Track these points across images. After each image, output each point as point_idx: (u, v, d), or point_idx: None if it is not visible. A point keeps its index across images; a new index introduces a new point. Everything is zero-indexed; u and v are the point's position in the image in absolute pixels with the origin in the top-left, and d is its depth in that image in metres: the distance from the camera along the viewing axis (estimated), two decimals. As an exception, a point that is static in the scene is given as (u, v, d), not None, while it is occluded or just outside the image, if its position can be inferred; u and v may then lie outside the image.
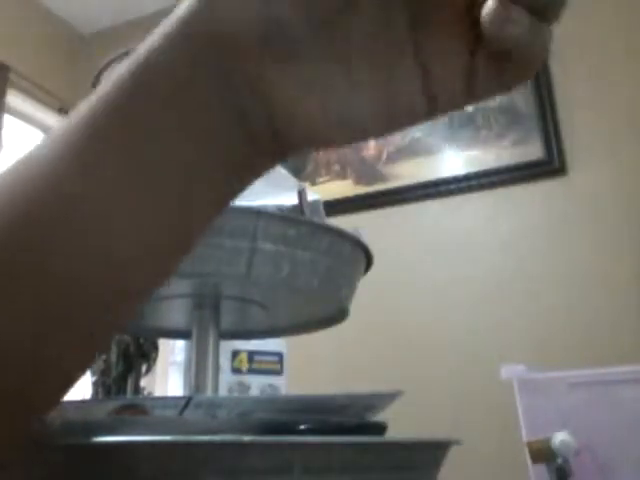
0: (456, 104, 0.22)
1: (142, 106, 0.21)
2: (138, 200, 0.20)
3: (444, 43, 0.21)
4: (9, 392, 0.19)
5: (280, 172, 0.70)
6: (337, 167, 2.05)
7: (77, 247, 0.20)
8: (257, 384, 1.04)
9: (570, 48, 1.83)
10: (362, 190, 1.99)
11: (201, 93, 0.21)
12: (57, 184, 0.21)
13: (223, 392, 0.96)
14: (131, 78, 0.21)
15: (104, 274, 0.20)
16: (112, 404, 0.43)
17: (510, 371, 0.94)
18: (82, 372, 0.22)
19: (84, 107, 0.22)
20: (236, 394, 1.01)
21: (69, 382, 0.21)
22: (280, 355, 1.09)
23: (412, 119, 0.22)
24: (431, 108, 0.21)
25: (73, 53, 2.80)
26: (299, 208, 0.62)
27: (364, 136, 0.22)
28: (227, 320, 0.64)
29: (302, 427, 0.41)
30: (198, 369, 0.59)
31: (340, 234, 0.55)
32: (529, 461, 0.84)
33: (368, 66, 0.21)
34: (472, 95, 0.21)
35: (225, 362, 1.00)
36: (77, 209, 0.20)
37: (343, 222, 0.59)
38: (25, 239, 0.20)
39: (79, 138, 0.21)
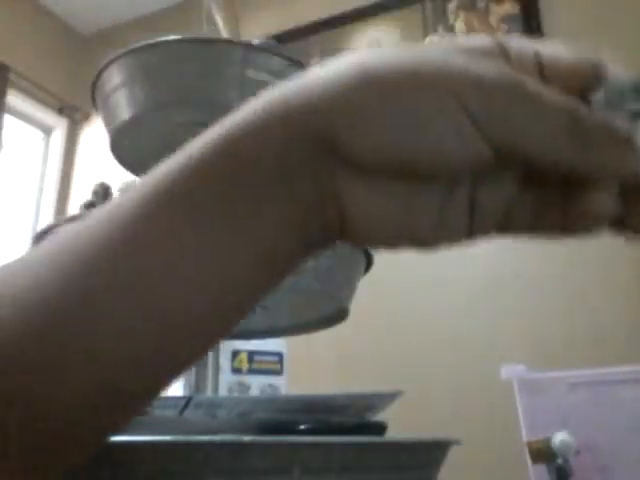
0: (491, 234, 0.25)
1: (225, 184, 0.22)
2: (206, 268, 0.22)
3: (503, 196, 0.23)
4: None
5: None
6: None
7: (136, 312, 0.21)
8: (257, 384, 1.04)
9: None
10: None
11: (288, 183, 0.22)
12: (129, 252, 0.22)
13: (223, 392, 0.96)
14: (218, 155, 0.22)
15: (160, 339, 0.22)
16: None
17: (510, 371, 0.94)
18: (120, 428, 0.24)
19: (159, 176, 0.23)
20: (236, 394, 1.01)
21: (103, 437, 0.23)
22: (280, 355, 1.09)
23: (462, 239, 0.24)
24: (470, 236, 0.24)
25: (73, 53, 2.80)
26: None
27: (415, 247, 0.24)
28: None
29: (302, 427, 0.41)
30: (198, 369, 0.59)
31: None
32: (529, 461, 0.84)
33: (437, 198, 0.23)
34: (508, 230, 0.25)
35: (225, 362, 1.00)
36: (144, 276, 0.21)
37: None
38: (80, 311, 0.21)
39: (157, 204, 0.22)
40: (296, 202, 0.22)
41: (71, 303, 0.21)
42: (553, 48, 0.23)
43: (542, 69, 0.22)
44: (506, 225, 0.24)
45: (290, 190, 0.22)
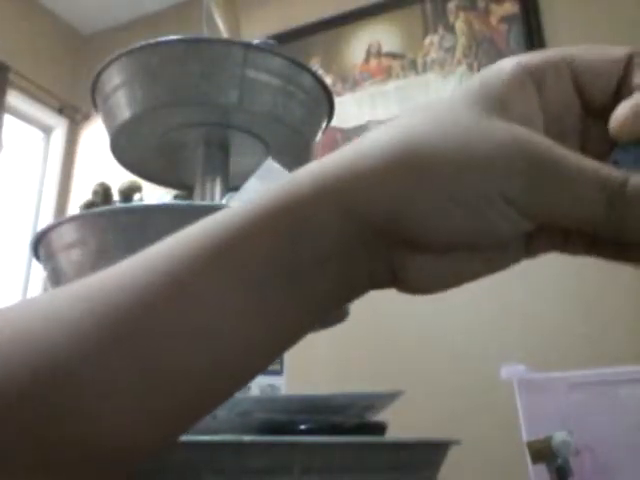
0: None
1: (281, 250, 0.23)
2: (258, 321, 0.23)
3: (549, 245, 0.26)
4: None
5: (280, 172, 0.70)
6: (337, 167, 2.05)
7: (189, 339, 0.22)
8: (257, 384, 1.04)
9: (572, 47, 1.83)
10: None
11: (345, 257, 0.23)
12: (179, 283, 0.22)
13: (223, 392, 0.96)
14: (282, 221, 0.23)
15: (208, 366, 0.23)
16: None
17: (510, 371, 0.94)
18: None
19: (210, 230, 0.24)
20: (236, 394, 1.00)
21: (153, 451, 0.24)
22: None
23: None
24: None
25: (73, 53, 2.80)
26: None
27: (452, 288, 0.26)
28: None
29: (302, 427, 0.41)
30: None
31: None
32: (529, 461, 0.84)
33: (482, 262, 0.25)
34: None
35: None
36: (195, 309, 0.22)
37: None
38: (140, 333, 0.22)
39: (209, 260, 0.23)
40: (351, 272, 0.24)
41: (103, 351, 0.21)
42: (583, 51, 0.24)
43: (578, 77, 0.24)
44: (565, 249, 0.26)
45: (347, 263, 0.23)
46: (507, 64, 0.24)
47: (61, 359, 0.21)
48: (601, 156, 0.23)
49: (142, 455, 0.23)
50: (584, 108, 0.24)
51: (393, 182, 0.22)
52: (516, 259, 0.25)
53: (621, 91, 0.23)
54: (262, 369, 0.25)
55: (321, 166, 0.24)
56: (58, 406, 0.21)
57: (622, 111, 0.22)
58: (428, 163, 0.22)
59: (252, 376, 0.25)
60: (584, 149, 0.24)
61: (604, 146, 0.24)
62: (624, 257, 0.24)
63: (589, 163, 0.22)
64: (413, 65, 2.09)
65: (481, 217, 0.22)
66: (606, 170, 0.21)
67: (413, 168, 0.22)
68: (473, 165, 0.22)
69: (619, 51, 0.24)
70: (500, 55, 1.94)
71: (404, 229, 0.22)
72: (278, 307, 0.23)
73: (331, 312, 0.25)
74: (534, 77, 0.23)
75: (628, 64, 0.23)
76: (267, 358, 0.25)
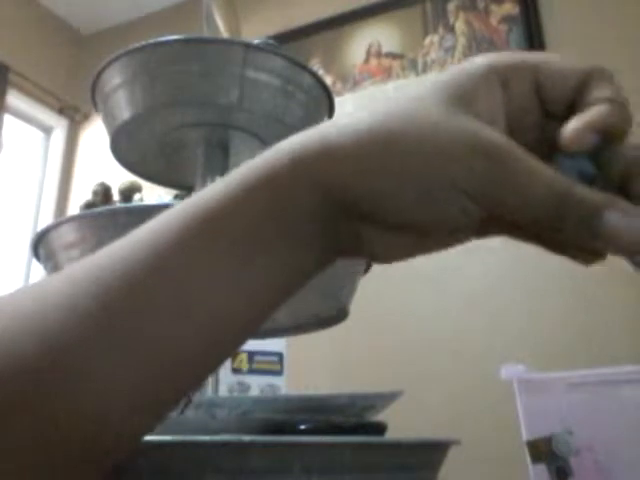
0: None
1: (261, 220, 0.25)
2: (234, 279, 0.25)
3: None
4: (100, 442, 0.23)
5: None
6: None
7: (175, 313, 0.24)
8: (257, 384, 1.04)
9: (571, 47, 1.83)
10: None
11: (315, 228, 0.26)
12: (161, 261, 0.24)
13: (223, 392, 0.96)
14: (250, 190, 0.25)
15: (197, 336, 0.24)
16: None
17: (510, 371, 0.94)
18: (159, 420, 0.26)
19: (198, 205, 0.25)
20: (236, 394, 1.01)
21: (143, 430, 0.25)
22: (280, 355, 1.09)
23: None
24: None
25: (73, 53, 2.80)
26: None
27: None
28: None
29: (302, 427, 0.41)
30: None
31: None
32: (529, 461, 0.84)
33: (438, 237, 0.27)
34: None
35: (225, 362, 1.00)
36: (179, 281, 0.24)
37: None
38: (129, 304, 0.23)
39: (192, 227, 0.24)
40: (322, 240, 0.26)
41: (111, 316, 0.23)
42: (548, 58, 0.26)
43: (538, 81, 0.26)
44: (513, 233, 0.28)
45: (316, 233, 0.26)
46: (477, 63, 0.26)
47: (57, 339, 0.22)
48: (551, 157, 0.25)
49: (131, 438, 0.24)
50: (543, 111, 0.26)
51: (360, 160, 0.24)
52: (465, 238, 0.28)
53: (577, 103, 0.25)
54: (244, 339, 0.27)
55: (300, 140, 0.25)
56: (52, 383, 0.21)
57: (573, 124, 0.24)
58: (396, 147, 0.24)
59: (235, 347, 0.27)
60: (539, 148, 0.26)
61: (555, 149, 0.26)
62: (562, 252, 0.27)
63: (542, 167, 0.24)
64: (413, 65, 2.09)
65: (434, 202, 0.24)
66: (556, 177, 0.23)
67: (381, 150, 0.24)
68: (435, 155, 0.24)
69: (581, 65, 0.26)
70: (500, 55, 1.94)
71: (364, 204, 0.24)
72: (258, 277, 0.25)
73: (304, 282, 0.28)
74: (500, 76, 0.26)
75: (587, 79, 0.25)
76: (248, 328, 0.27)
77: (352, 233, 0.26)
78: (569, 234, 0.24)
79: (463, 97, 0.25)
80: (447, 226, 0.25)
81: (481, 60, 0.26)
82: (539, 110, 0.26)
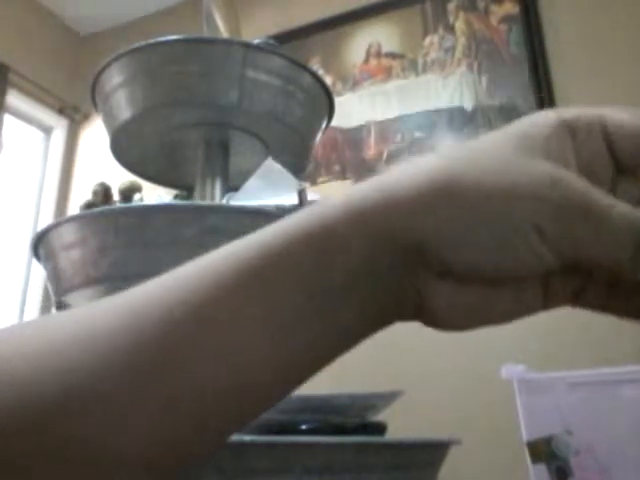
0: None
1: (307, 276, 0.23)
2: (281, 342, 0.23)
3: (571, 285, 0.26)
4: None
5: (280, 172, 0.70)
6: (337, 167, 2.05)
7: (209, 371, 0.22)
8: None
9: (571, 47, 1.83)
10: (362, 190, 1.99)
11: (373, 283, 0.24)
12: (198, 309, 0.22)
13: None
14: (309, 250, 0.23)
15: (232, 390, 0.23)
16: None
17: (510, 371, 0.94)
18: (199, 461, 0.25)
19: (235, 256, 0.23)
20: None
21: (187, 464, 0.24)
22: (280, 355, 1.09)
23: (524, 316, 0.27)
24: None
25: (73, 53, 2.80)
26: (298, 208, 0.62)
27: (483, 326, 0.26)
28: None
29: (303, 427, 0.41)
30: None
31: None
32: (529, 461, 0.84)
33: (511, 294, 0.25)
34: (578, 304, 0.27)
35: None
36: (215, 334, 0.22)
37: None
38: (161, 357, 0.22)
39: (235, 284, 0.23)
40: (379, 301, 0.24)
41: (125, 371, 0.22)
42: (616, 112, 0.25)
43: (609, 136, 0.24)
44: (579, 301, 0.27)
45: (375, 291, 0.24)
46: (548, 117, 0.25)
47: (100, 380, 0.21)
48: None
49: (162, 476, 0.23)
50: (615, 165, 0.25)
51: (427, 210, 0.23)
52: (533, 308, 0.27)
53: None
54: (286, 395, 0.25)
55: (356, 191, 0.24)
56: (80, 427, 0.21)
57: None
58: (464, 192, 0.23)
59: (275, 401, 0.25)
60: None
61: (632, 203, 0.24)
62: (636, 313, 0.25)
63: (623, 206, 0.22)
64: (413, 65, 2.09)
65: (509, 246, 0.23)
66: (634, 211, 0.22)
67: (448, 196, 0.23)
68: (509, 195, 0.22)
69: None
70: (500, 55, 1.94)
71: (432, 254, 0.23)
72: (306, 336, 0.24)
73: (358, 342, 0.26)
74: (569, 126, 0.24)
75: None
76: (291, 385, 0.25)
77: (414, 289, 0.24)
78: None
79: (534, 146, 0.24)
80: (519, 277, 0.24)
81: (551, 115, 0.25)
82: (610, 164, 0.25)
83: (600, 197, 0.23)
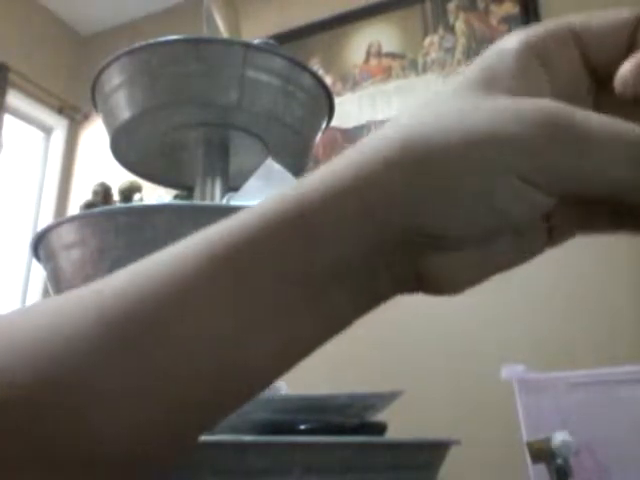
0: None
1: (302, 256, 0.22)
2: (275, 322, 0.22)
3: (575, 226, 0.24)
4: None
5: (280, 172, 0.70)
6: (337, 167, 2.05)
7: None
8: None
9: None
10: (362, 190, 1.99)
11: (371, 266, 0.22)
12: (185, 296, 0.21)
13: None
14: (291, 228, 0.22)
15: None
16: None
17: (510, 371, 0.94)
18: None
19: (220, 236, 0.22)
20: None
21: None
22: (280, 355, 1.09)
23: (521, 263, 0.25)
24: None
25: (73, 53, 2.80)
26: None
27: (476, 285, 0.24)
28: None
29: (302, 427, 0.41)
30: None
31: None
32: (529, 461, 0.84)
33: (505, 248, 0.23)
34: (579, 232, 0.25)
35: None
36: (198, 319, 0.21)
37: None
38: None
39: (226, 255, 0.22)
40: (372, 280, 0.23)
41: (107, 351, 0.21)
42: (582, 17, 0.23)
43: (580, 41, 0.22)
44: (590, 229, 0.24)
45: (367, 271, 0.22)
46: (509, 44, 0.23)
47: (69, 367, 0.21)
48: None
49: (148, 465, 0.23)
50: (592, 78, 0.23)
51: (399, 182, 0.21)
52: (538, 248, 0.24)
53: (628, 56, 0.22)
54: (273, 380, 0.24)
55: (331, 170, 0.23)
56: (64, 415, 0.20)
57: (625, 66, 0.21)
58: (427, 156, 0.21)
59: (263, 387, 0.24)
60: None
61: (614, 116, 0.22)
62: None
63: (602, 118, 0.20)
64: (413, 65, 2.09)
65: (496, 201, 0.21)
66: (630, 125, 0.20)
67: (414, 164, 0.21)
68: (479, 149, 0.20)
69: (623, 15, 0.22)
70: (500, 55, 1.94)
71: (420, 226, 0.21)
72: (293, 320, 0.22)
73: (353, 321, 0.24)
74: (539, 53, 0.22)
75: (636, 28, 0.22)
76: (279, 370, 0.23)
77: (409, 266, 0.22)
78: None
79: (500, 85, 0.22)
80: (515, 224, 0.22)
81: (511, 41, 0.23)
82: (588, 79, 0.23)
83: (589, 115, 0.20)
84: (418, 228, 0.21)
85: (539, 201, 0.21)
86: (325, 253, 0.21)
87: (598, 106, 0.23)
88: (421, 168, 0.21)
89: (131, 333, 0.21)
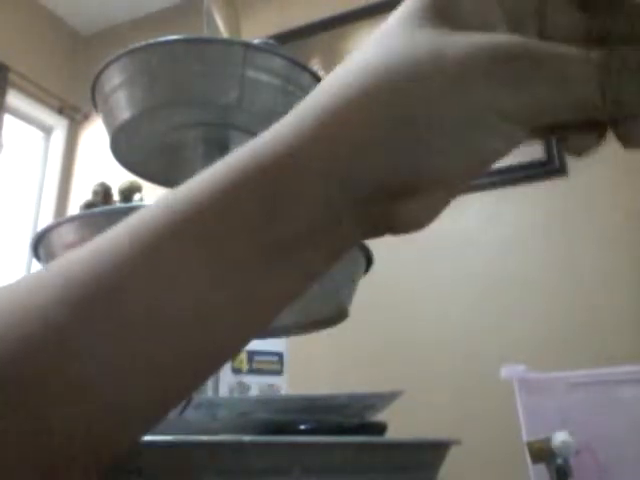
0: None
1: (262, 215, 0.21)
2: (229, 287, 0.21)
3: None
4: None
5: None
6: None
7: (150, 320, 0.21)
8: (257, 384, 1.04)
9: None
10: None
11: (334, 222, 0.22)
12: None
13: (223, 392, 0.96)
14: (252, 186, 0.21)
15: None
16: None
17: (510, 371, 0.94)
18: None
19: (183, 200, 0.22)
20: (236, 394, 1.01)
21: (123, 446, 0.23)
22: (280, 355, 1.09)
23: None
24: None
25: (73, 53, 2.80)
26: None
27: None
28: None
29: (302, 427, 0.41)
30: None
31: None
32: (529, 461, 0.84)
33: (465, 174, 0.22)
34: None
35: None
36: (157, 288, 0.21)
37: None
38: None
39: (183, 215, 0.21)
40: (338, 235, 0.22)
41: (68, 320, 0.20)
42: None
43: None
44: (574, 152, 0.23)
45: (333, 228, 0.22)
46: None
47: (35, 346, 0.20)
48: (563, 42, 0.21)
49: (112, 447, 0.22)
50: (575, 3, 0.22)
51: (361, 135, 0.20)
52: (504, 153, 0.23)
53: None
54: (242, 346, 0.24)
55: (292, 129, 0.21)
56: (23, 397, 0.20)
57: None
58: (391, 102, 0.20)
59: (231, 352, 0.24)
60: (543, 37, 0.22)
61: (564, 31, 0.22)
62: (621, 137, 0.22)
63: (566, 47, 0.20)
64: (413, 65, 2.09)
65: (473, 140, 0.20)
66: (582, 49, 0.20)
67: (378, 113, 0.20)
68: (439, 91, 0.20)
69: None
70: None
71: (391, 181, 0.21)
72: (257, 283, 0.22)
73: (320, 277, 0.23)
74: None
75: None
76: (247, 332, 0.23)
77: (379, 214, 0.22)
78: (629, 104, 0.19)
79: (446, 14, 0.21)
80: (494, 160, 0.21)
81: None
82: (569, 4, 0.22)
83: (540, 44, 0.20)
84: (388, 183, 0.21)
85: (515, 134, 0.20)
86: (289, 210, 0.21)
87: (545, 23, 0.22)
88: (384, 117, 0.20)
89: (91, 307, 0.20)
